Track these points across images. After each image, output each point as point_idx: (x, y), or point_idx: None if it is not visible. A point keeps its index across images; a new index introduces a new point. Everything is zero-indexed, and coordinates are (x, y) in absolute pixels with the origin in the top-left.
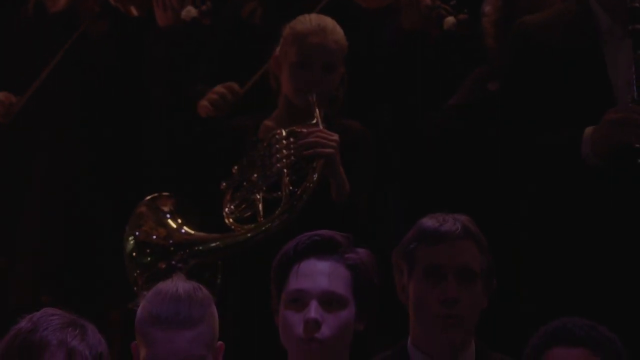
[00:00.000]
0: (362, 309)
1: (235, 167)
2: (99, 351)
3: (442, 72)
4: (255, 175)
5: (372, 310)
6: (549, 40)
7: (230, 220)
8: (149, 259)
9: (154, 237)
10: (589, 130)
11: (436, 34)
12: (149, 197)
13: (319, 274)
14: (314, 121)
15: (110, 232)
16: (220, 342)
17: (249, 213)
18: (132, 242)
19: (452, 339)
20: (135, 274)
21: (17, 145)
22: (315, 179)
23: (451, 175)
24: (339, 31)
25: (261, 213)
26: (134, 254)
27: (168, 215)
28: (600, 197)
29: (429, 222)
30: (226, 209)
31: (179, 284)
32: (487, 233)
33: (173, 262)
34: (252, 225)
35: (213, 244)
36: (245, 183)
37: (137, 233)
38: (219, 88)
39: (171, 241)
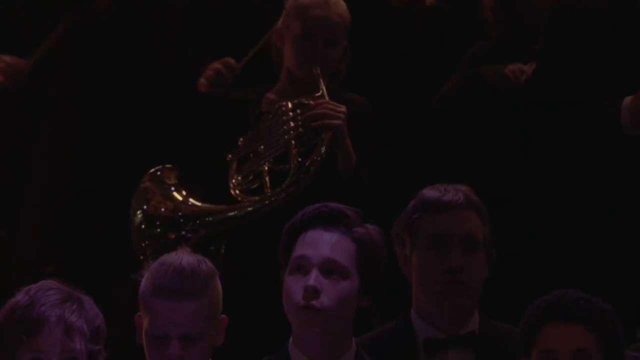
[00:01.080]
0: (367, 285)
1: (241, 139)
2: (96, 324)
3: (439, 46)
4: (262, 147)
5: (377, 287)
6: (588, 10)
7: (237, 191)
8: (158, 230)
9: (163, 209)
10: (627, 99)
11: (421, 8)
12: (152, 171)
13: (323, 243)
14: (319, 93)
15: (114, 203)
16: (223, 316)
17: (256, 185)
18: (140, 215)
19: (456, 306)
20: (143, 245)
21: (19, 117)
22: (323, 151)
23: (452, 148)
24: (342, 5)
25: (268, 185)
26: (143, 226)
27: (173, 188)
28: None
29: (430, 192)
30: (233, 181)
31: (183, 257)
32: (488, 204)
33: (183, 233)
34: (259, 197)
35: (221, 215)
36: (251, 155)
37: (145, 207)
38: (214, 64)
39: (180, 213)
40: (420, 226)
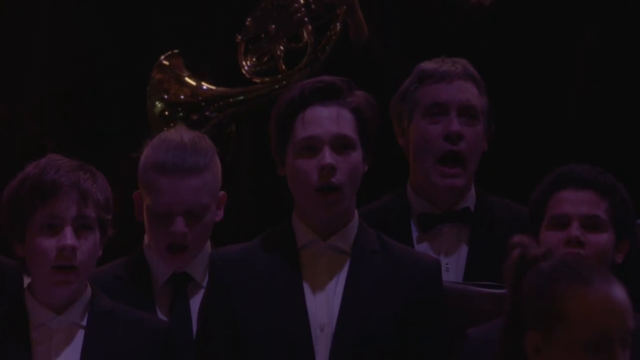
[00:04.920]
0: (366, 151)
1: (249, 20)
2: (106, 196)
3: None
4: (273, 26)
5: (374, 151)
6: None
7: (251, 73)
8: (181, 114)
9: (182, 96)
10: None
11: None
12: (159, 62)
13: (327, 119)
14: None
15: (117, 79)
16: (222, 192)
17: (269, 65)
18: (160, 104)
19: (454, 186)
20: (165, 129)
21: None
22: (338, 28)
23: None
24: None
25: (283, 65)
26: (166, 112)
27: (185, 75)
28: None
29: (428, 64)
30: (247, 63)
31: (182, 133)
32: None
33: (207, 113)
34: (274, 78)
35: (239, 97)
36: (263, 35)
37: (165, 96)
38: None
39: (200, 98)
40: (419, 96)
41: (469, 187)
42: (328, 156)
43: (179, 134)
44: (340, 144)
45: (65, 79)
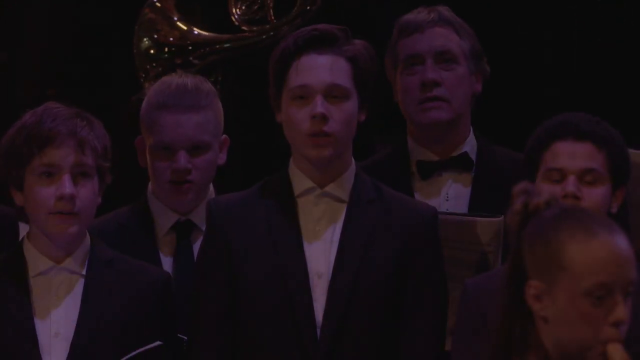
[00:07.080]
0: (363, 100)
1: None
2: (104, 143)
3: None
4: None
5: (371, 100)
6: None
7: (240, 21)
8: (166, 55)
9: (171, 39)
10: None
11: None
12: (150, 1)
13: (321, 67)
14: None
15: (117, 26)
16: (225, 136)
17: (259, 15)
18: (147, 41)
19: (438, 118)
20: (147, 66)
21: None
22: None
23: None
24: None
25: (272, 15)
26: (152, 51)
27: (176, 19)
28: None
29: (407, 16)
30: (236, 10)
31: (184, 77)
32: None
33: (190, 59)
34: (262, 27)
35: (227, 44)
36: None
37: (155, 35)
38: None
39: (188, 41)
40: (398, 50)
41: (465, 132)
42: (320, 105)
43: (181, 77)
44: (334, 93)
45: (66, 25)
